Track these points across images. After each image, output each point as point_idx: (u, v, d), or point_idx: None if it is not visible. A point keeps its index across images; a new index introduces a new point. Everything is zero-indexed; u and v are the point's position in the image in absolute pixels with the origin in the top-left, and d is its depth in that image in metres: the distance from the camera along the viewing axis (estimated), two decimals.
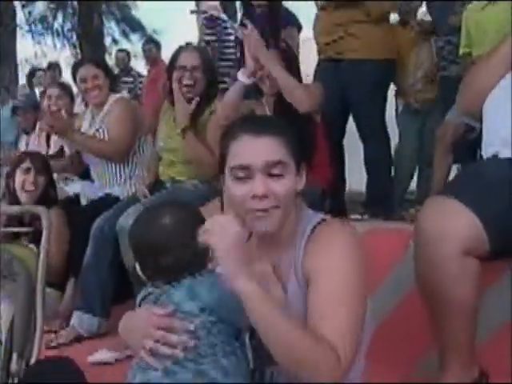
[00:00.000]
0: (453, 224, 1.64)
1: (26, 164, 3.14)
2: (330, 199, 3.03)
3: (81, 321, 2.89)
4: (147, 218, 1.33)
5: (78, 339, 2.84)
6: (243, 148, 1.32)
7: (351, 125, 3.54)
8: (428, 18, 4.30)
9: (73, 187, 3.81)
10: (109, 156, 3.31)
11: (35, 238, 2.07)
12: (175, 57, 3.10)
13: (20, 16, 14.00)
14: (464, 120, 3.16)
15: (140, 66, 7.99)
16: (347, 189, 3.73)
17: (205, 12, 4.99)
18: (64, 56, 14.12)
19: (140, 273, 1.34)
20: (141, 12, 15.63)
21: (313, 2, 3.62)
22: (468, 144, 3.25)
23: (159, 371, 1.24)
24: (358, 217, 3.33)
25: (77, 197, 3.57)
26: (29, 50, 14.93)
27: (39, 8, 14.87)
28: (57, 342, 2.78)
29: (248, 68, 2.77)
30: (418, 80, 4.02)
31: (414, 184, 4.50)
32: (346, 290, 1.26)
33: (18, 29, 13.31)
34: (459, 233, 1.64)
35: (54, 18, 14.87)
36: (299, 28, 4.42)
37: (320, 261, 1.28)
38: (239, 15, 5.18)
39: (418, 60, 3.98)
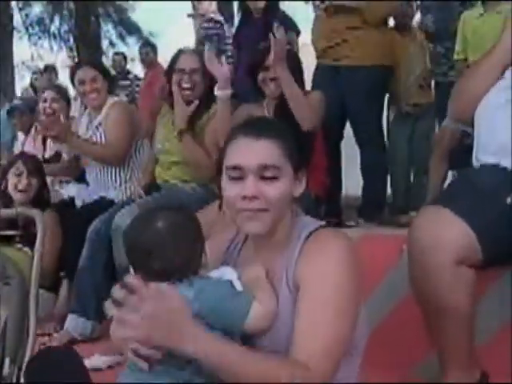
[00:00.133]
0: (446, 234, 1.65)
1: (19, 166, 3.13)
2: (326, 204, 3.03)
3: (75, 324, 2.88)
4: (142, 221, 1.33)
5: (72, 342, 2.83)
6: (239, 149, 1.32)
7: (349, 130, 3.54)
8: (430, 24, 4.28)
9: (68, 190, 3.81)
10: (106, 160, 3.30)
11: (29, 241, 2.07)
12: (174, 60, 3.11)
13: (17, 18, 14.04)
14: (460, 126, 3.17)
15: (137, 69, 7.99)
16: (343, 193, 3.74)
17: (202, 15, 4.99)
18: (61, 58, 14.14)
19: (133, 273, 1.33)
20: (138, 15, 15.71)
21: (310, 7, 3.63)
22: (465, 150, 3.25)
23: (145, 374, 1.23)
24: (353, 223, 3.33)
25: (72, 200, 3.56)
26: (25, 52, 14.94)
27: (36, 10, 14.88)
28: (50, 345, 2.77)
29: (220, 80, 2.78)
30: (411, 85, 4.01)
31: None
32: (336, 300, 1.26)
33: (14, 31, 13.32)
34: (452, 243, 1.64)
35: (51, 20, 14.88)
36: (297, 33, 4.43)
37: (311, 269, 1.28)
38: (236, 19, 5.18)
39: (410, 66, 3.98)
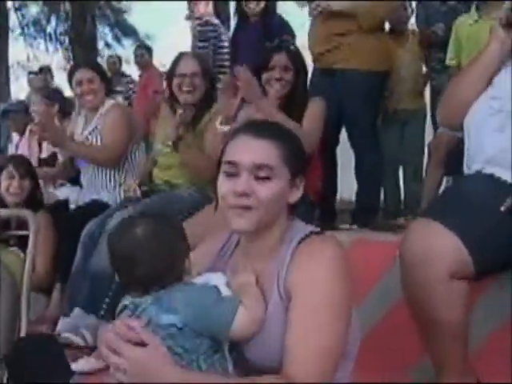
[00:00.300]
0: (437, 248, 1.65)
1: (10, 170, 3.12)
2: (320, 208, 3.03)
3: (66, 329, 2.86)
4: (124, 228, 1.33)
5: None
6: (237, 146, 1.34)
7: (344, 134, 3.55)
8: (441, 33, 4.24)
9: (62, 192, 3.80)
10: (103, 162, 3.31)
11: (21, 244, 2.06)
12: (175, 63, 3.17)
13: (13, 19, 14.00)
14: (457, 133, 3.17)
15: (133, 70, 7.97)
16: (338, 197, 3.74)
17: (198, 18, 4.99)
18: (56, 60, 14.12)
19: (117, 279, 1.34)
20: (134, 17, 15.67)
21: (305, 10, 3.63)
22: (461, 156, 3.25)
23: None
24: (347, 226, 3.33)
25: (66, 202, 3.55)
26: (21, 53, 14.91)
27: (32, 11, 14.85)
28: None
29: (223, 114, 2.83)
30: (402, 90, 4.00)
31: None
32: (327, 306, 1.26)
33: (10, 32, 13.29)
34: (444, 257, 1.64)
35: (47, 21, 14.85)
36: (293, 37, 4.42)
37: (302, 276, 1.28)
38: (232, 22, 5.19)
39: (403, 71, 3.97)
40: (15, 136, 5.16)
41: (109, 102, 3.42)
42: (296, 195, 1.38)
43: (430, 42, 4.11)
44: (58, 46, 14.81)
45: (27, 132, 4.54)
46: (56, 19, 14.75)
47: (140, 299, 1.27)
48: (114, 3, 15.12)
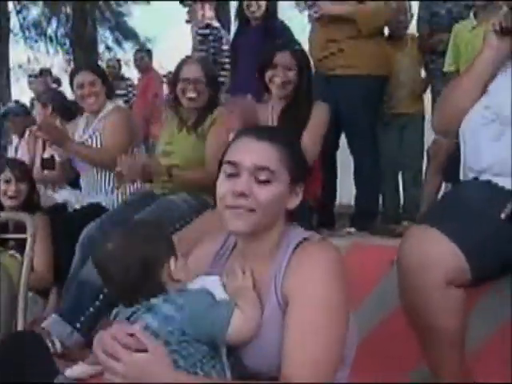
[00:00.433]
0: (434, 255, 1.64)
1: (6, 174, 3.12)
2: (319, 212, 3.03)
3: (60, 330, 2.83)
4: (102, 240, 1.34)
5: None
6: (239, 147, 1.34)
7: (343, 138, 3.55)
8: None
9: (61, 195, 3.80)
10: (104, 165, 3.30)
11: (19, 246, 2.06)
12: (179, 68, 3.19)
13: (14, 21, 14.03)
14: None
15: (133, 74, 7.99)
16: (337, 201, 3.74)
17: (199, 21, 5.00)
18: (57, 62, 14.15)
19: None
20: (134, 20, 15.71)
21: (305, 16, 3.63)
22: (460, 162, 3.25)
23: None
24: (346, 230, 3.33)
25: (64, 204, 3.55)
26: (22, 55, 14.93)
27: (33, 13, 14.88)
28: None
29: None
30: (401, 95, 4.00)
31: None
32: (324, 311, 1.25)
33: (11, 34, 13.31)
34: (441, 264, 1.64)
35: (48, 23, 14.88)
36: (295, 43, 4.42)
37: (299, 280, 1.28)
38: (233, 26, 5.19)
39: (401, 76, 3.97)
40: (14, 138, 5.16)
41: (109, 105, 3.42)
42: (295, 201, 1.38)
43: (434, 49, 4.09)
44: (59, 49, 14.85)
45: (26, 134, 4.54)
46: (57, 22, 14.79)
47: (131, 308, 1.27)
48: (115, 6, 15.15)
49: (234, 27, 4.88)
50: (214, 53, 4.70)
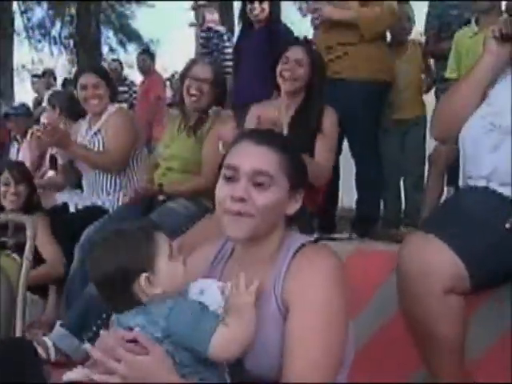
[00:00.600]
0: (434, 263, 1.64)
1: (6, 176, 3.12)
2: (320, 217, 3.02)
3: (63, 340, 2.80)
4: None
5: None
6: (238, 151, 1.34)
7: (345, 142, 3.54)
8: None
9: (62, 196, 3.80)
10: (106, 167, 3.31)
11: (18, 248, 2.05)
12: (188, 67, 3.19)
13: (18, 22, 14.07)
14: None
15: (136, 76, 7.99)
16: (339, 205, 3.73)
17: (203, 24, 5.01)
18: (61, 63, 14.18)
19: None
20: (138, 22, 15.75)
21: (308, 19, 3.63)
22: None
23: None
24: (346, 235, 3.32)
25: (65, 205, 3.54)
26: (26, 56, 14.97)
27: (38, 14, 14.93)
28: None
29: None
30: (402, 100, 3.99)
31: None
32: (324, 316, 1.25)
33: (15, 35, 13.35)
34: (440, 272, 1.63)
35: (52, 24, 14.92)
36: None
37: (298, 286, 1.28)
38: (237, 30, 5.19)
39: (402, 81, 3.96)
40: (16, 139, 5.17)
41: (112, 107, 3.42)
42: (294, 207, 1.37)
43: (443, 55, 4.07)
44: (63, 50, 14.89)
45: (28, 135, 4.54)
46: (61, 23, 14.83)
47: (125, 315, 1.26)
48: (119, 8, 15.19)
49: (237, 31, 4.88)
50: (217, 56, 4.71)
